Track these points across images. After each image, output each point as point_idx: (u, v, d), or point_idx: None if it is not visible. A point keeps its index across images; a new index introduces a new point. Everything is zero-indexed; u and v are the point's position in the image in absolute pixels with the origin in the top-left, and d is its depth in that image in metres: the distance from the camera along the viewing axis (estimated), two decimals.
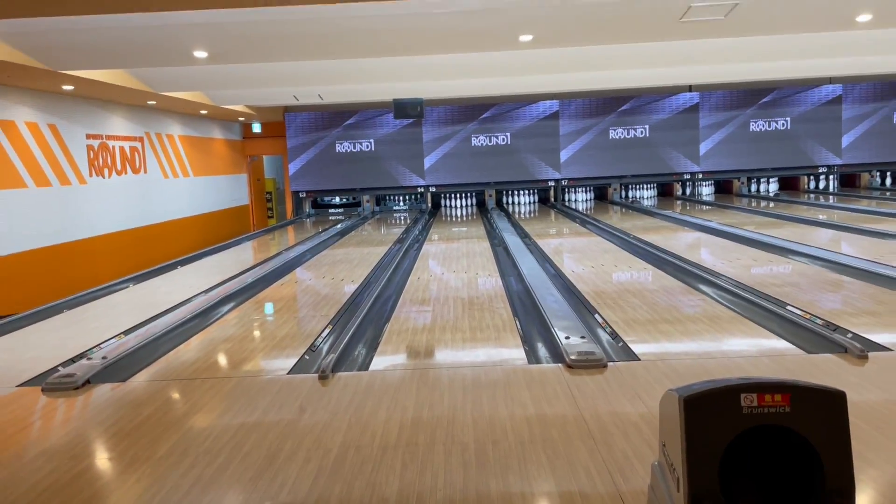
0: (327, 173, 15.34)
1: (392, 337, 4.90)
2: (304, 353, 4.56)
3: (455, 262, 8.18)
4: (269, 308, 6.29)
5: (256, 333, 5.35)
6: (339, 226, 12.89)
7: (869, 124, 14.89)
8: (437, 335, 4.92)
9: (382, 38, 7.24)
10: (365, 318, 5.39)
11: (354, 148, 15.28)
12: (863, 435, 2.88)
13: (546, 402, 3.47)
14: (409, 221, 13.48)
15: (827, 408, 1.69)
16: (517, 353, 4.39)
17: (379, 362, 4.34)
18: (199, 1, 4.91)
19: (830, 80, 14.68)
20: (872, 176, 15.52)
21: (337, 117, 15.22)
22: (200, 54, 7.53)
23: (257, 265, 8.53)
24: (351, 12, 5.85)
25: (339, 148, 15.30)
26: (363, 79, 10.33)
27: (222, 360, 4.61)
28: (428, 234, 11.17)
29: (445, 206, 15.84)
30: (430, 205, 15.63)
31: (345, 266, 8.22)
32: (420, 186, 15.36)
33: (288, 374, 4.17)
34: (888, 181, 15.53)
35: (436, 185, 15.37)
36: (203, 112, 13.11)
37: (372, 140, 15.26)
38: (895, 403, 3.24)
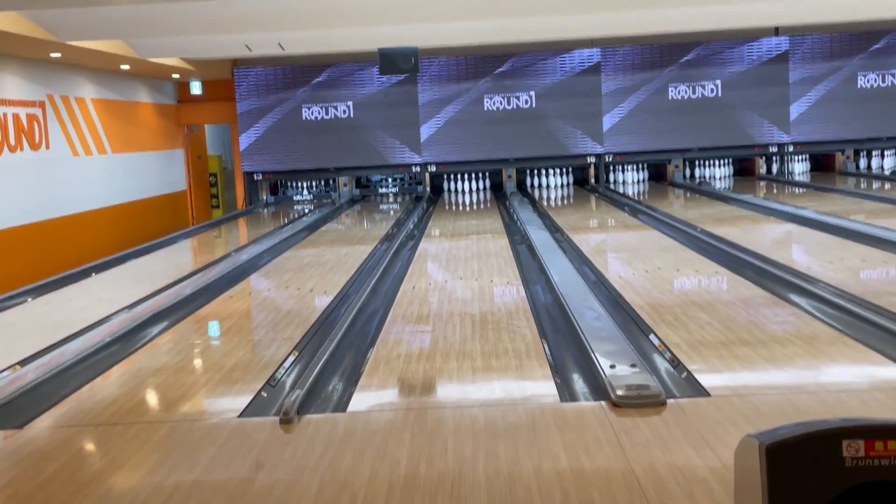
0: (291, 148, 15.38)
1: (378, 366, 4.92)
2: (262, 389, 4.58)
3: (463, 265, 8.20)
4: (214, 329, 6.31)
5: (197, 363, 5.37)
6: (306, 218, 12.92)
7: None
8: (439, 364, 4.94)
9: None
10: (342, 342, 5.40)
11: (327, 114, 15.31)
12: None
13: (585, 452, 3.48)
14: (400, 212, 13.51)
15: None
16: (546, 388, 4.40)
17: (361, 400, 4.35)
18: None
19: None
20: None
21: (303, 73, 15.25)
22: None
23: (198, 271, 8.56)
24: None
25: (306, 114, 15.34)
26: (338, 21, 10.35)
27: (152, 398, 4.63)
28: (426, 229, 11.19)
29: (449, 190, 15.86)
30: (428, 189, 15.66)
31: (315, 272, 8.24)
32: (415, 165, 15.39)
33: (239, 416, 4.18)
34: None
35: (436, 163, 15.39)
36: (124, 67, 13.16)
37: (350, 103, 15.29)
38: None
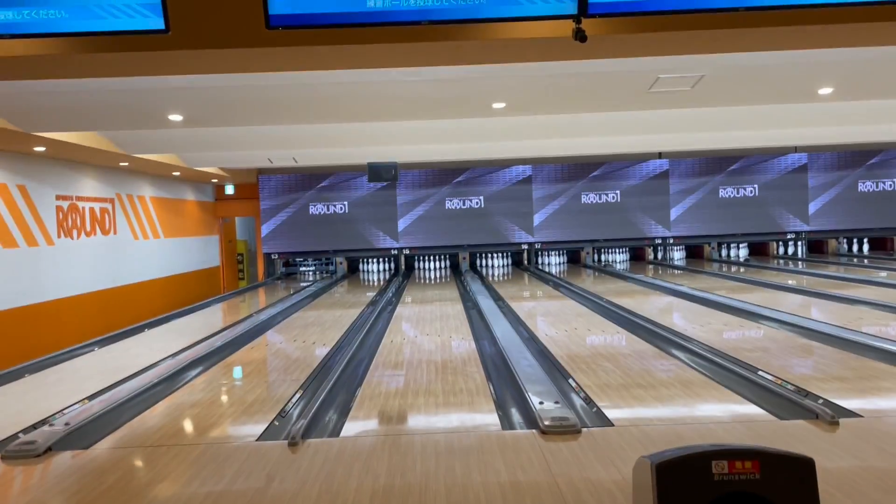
0: (300, 235, 15.37)
1: (364, 402, 4.87)
2: (274, 419, 4.50)
3: (428, 324, 8.17)
4: (238, 372, 6.22)
5: (224, 398, 5.28)
6: (311, 288, 12.85)
7: (834, 192, 15.34)
8: (410, 400, 4.89)
9: (357, 105, 7.38)
10: (336, 383, 5.35)
11: (328, 210, 15.35)
12: (834, 502, 2.90)
13: (520, 468, 3.45)
14: (382, 284, 13.49)
15: (797, 475, 1.72)
16: (491, 419, 4.37)
17: (350, 428, 4.30)
18: (176, 66, 5.00)
19: (796, 149, 15.15)
20: (839, 242, 15.90)
21: (311, 179, 15.32)
22: (175, 118, 7.60)
23: (227, 328, 8.45)
24: (326, 79, 5.97)
25: (312, 210, 15.36)
26: (337, 143, 10.46)
27: (189, 426, 4.54)
28: (402, 297, 11.17)
29: (419, 268, 15.89)
30: (403, 267, 15.69)
31: (317, 329, 8.17)
32: (394, 249, 15.43)
33: (257, 440, 4.10)
34: (854, 247, 15.91)
35: (409, 248, 15.44)
36: (176, 174, 13.15)
37: (346, 202, 15.35)
38: (866, 470, 3.28)
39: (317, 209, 15.34)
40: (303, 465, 3.59)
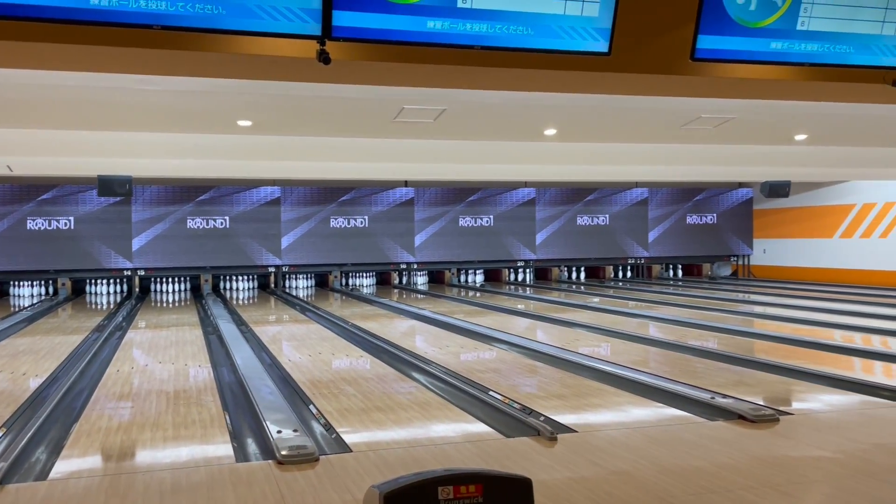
0: (15, 252, 13.66)
1: (80, 438, 4.37)
2: None
3: (163, 351, 7.62)
4: None
5: None
6: (26, 312, 11.44)
7: (557, 224, 16.87)
8: (135, 434, 4.48)
9: (84, 111, 6.74)
10: (49, 418, 4.76)
11: (50, 226, 13.82)
12: None
13: (252, 502, 3.28)
14: (112, 307, 12.40)
15: (516, 495, 1.79)
16: (224, 451, 4.13)
17: (62, 468, 3.83)
18: None
19: (525, 184, 16.47)
20: (561, 270, 17.50)
21: (30, 191, 13.73)
22: None
23: None
24: (47, 80, 5.37)
25: (30, 225, 13.75)
26: (63, 151, 9.46)
27: None
28: (134, 321, 10.33)
29: (155, 290, 14.86)
30: (138, 289, 14.57)
31: (29, 357, 7.26)
32: (127, 269, 14.27)
33: None
34: (573, 275, 17.60)
35: (145, 269, 14.39)
36: None
37: (71, 218, 13.94)
38: (578, 482, 3.55)
39: (36, 224, 13.76)
40: None
